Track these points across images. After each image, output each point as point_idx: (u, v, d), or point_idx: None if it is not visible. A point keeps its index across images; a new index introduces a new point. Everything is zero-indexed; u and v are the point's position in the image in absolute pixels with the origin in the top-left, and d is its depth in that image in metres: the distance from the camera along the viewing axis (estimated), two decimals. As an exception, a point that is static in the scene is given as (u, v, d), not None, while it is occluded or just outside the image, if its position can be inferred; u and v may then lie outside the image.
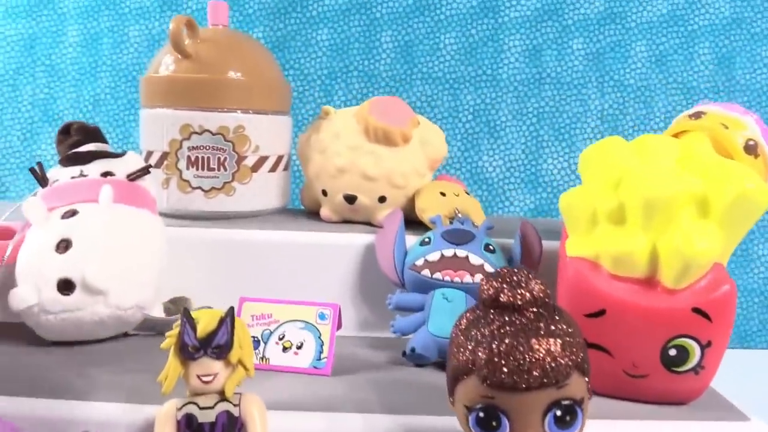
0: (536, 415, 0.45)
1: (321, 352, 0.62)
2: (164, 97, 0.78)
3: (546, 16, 1.28)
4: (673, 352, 0.56)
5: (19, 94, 1.36)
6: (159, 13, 1.34)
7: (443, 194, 0.77)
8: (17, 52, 1.36)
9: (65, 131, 0.74)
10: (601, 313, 0.57)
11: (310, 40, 1.29)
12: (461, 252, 0.66)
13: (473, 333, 0.47)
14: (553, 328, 0.45)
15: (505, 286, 0.47)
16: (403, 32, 1.30)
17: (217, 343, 0.51)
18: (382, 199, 0.77)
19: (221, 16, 0.84)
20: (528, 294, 0.46)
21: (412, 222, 0.77)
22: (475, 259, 0.66)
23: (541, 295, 0.47)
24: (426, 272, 0.66)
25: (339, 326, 0.65)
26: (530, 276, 0.47)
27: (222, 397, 0.51)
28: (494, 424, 0.45)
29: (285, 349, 0.63)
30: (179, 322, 0.51)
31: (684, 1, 1.27)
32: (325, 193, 0.79)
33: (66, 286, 0.62)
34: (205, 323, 0.51)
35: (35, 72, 1.36)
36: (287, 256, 0.75)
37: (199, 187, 0.78)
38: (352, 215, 0.79)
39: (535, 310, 0.47)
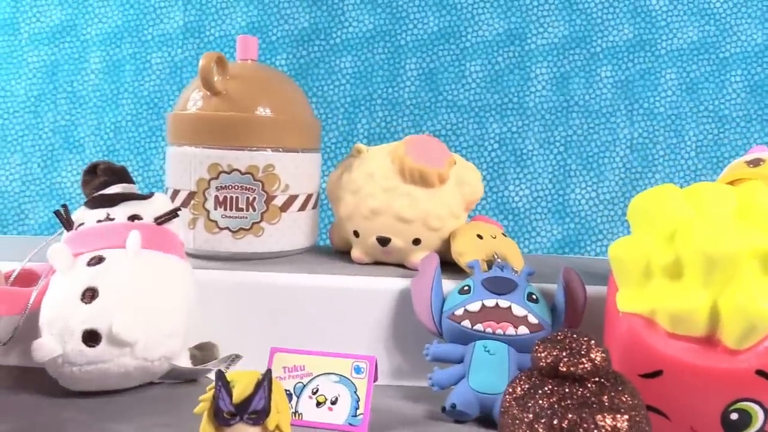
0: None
1: (357, 408, 0.59)
2: (192, 135, 0.76)
3: (574, 43, 1.26)
4: (734, 416, 0.53)
5: (41, 120, 1.35)
6: (182, 40, 1.33)
7: (480, 237, 0.74)
8: (39, 78, 1.35)
9: (91, 171, 0.72)
10: (658, 373, 0.54)
11: (333, 68, 1.28)
12: (504, 302, 0.63)
13: (530, 404, 0.44)
14: (617, 401, 0.43)
15: (564, 354, 0.44)
16: (427, 60, 1.28)
17: (254, 409, 0.48)
18: (416, 242, 0.74)
19: (251, 51, 0.82)
20: (590, 364, 0.44)
21: (447, 263, 0.74)
22: (518, 310, 0.63)
23: (604, 364, 0.44)
24: (466, 323, 0.63)
25: (375, 379, 0.62)
26: (591, 343, 0.45)
27: (259, 465, 0.48)
28: (553, 502, 0.42)
29: (319, 404, 0.60)
30: (213, 385, 0.49)
31: (715, 29, 1.24)
32: (357, 234, 0.76)
33: (92, 338, 0.60)
34: (241, 387, 0.48)
35: (57, 99, 1.35)
36: (318, 301, 0.72)
37: (227, 228, 0.76)
38: (385, 257, 0.76)
39: (596, 380, 0.44)
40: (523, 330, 0.62)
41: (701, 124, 1.25)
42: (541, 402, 0.43)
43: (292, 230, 0.78)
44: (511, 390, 0.46)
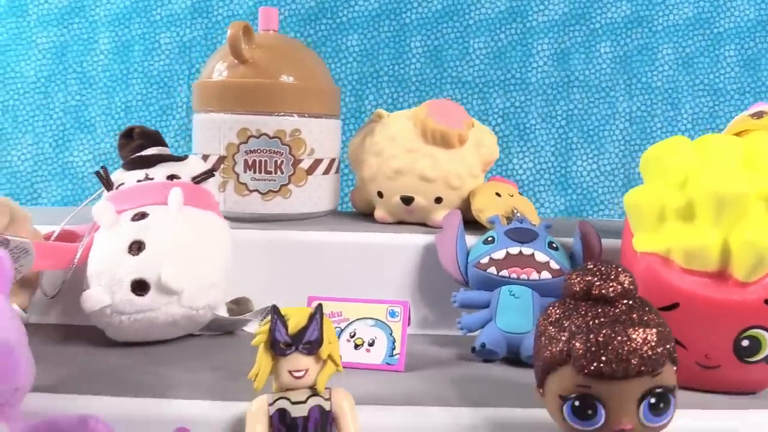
0: (631, 403, 0.46)
1: (393, 348, 0.63)
2: (220, 102, 0.79)
3: (574, 20, 1.30)
4: (745, 342, 0.57)
5: (51, 101, 1.37)
6: (190, 20, 1.36)
7: (498, 195, 0.78)
8: (49, 59, 1.37)
9: (127, 135, 0.75)
10: (675, 306, 0.58)
11: (340, 46, 1.31)
12: (527, 250, 0.67)
13: (566, 324, 0.48)
14: (646, 318, 0.47)
15: (596, 279, 0.48)
16: (432, 37, 1.32)
17: (308, 339, 0.52)
18: (438, 200, 0.78)
19: (272, 22, 0.85)
20: (620, 287, 0.48)
21: (466, 222, 0.78)
22: (540, 257, 0.67)
23: (632, 287, 0.48)
24: (492, 270, 0.67)
25: (408, 323, 0.66)
26: (619, 270, 0.49)
27: (313, 392, 0.52)
28: (590, 412, 0.46)
29: (357, 346, 0.64)
30: (268, 318, 0.52)
31: (709, 4, 1.29)
32: (380, 194, 0.80)
33: (140, 287, 0.63)
34: (295, 320, 0.52)
35: (67, 79, 1.37)
36: (346, 257, 0.76)
37: (256, 190, 0.79)
38: (408, 216, 0.80)
39: (626, 302, 0.48)
40: (545, 275, 0.66)
41: (697, 97, 1.30)
42: (576, 321, 0.47)
43: (317, 193, 0.82)
44: (546, 316, 0.50)
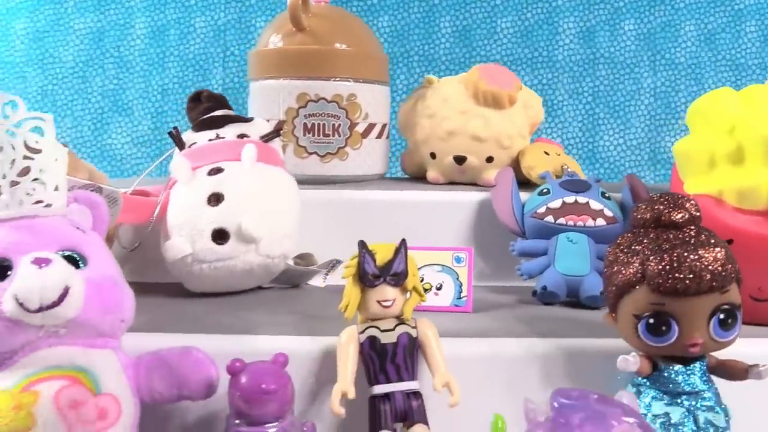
0: (702, 319, 0.49)
1: (460, 291, 0.67)
2: (280, 69, 0.83)
3: (598, -1, 1.34)
4: (796, 274, 0.61)
5: (89, 85, 1.41)
6: (224, 4, 1.39)
7: (547, 153, 0.82)
8: (87, 45, 1.40)
9: (195, 98, 0.78)
10: (729, 243, 0.62)
11: (372, 27, 1.34)
12: (582, 198, 0.71)
13: (638, 249, 0.51)
14: (713, 240, 0.50)
15: (663, 207, 0.52)
16: (461, 17, 1.35)
17: (394, 271, 0.55)
18: (489, 160, 0.82)
19: (324, -7, 0.89)
20: (686, 213, 0.51)
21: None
22: (595, 205, 0.71)
23: (697, 213, 0.52)
24: (549, 218, 0.71)
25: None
26: (684, 198, 0.52)
27: (399, 321, 0.56)
28: (664, 329, 0.50)
29: (425, 290, 0.67)
30: (357, 253, 0.56)
31: (730, -19, 1.33)
32: (433, 156, 0.84)
33: (220, 236, 0.66)
34: (382, 254, 0.56)
35: (104, 64, 1.41)
36: (403, 215, 0.79)
37: (315, 153, 0.83)
38: (460, 177, 0.84)
39: (692, 227, 0.51)
40: (600, 222, 0.70)
41: (719, 72, 1.34)
42: (648, 245, 0.51)
43: (371, 156, 0.86)
44: (615, 245, 0.54)
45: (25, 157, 0.54)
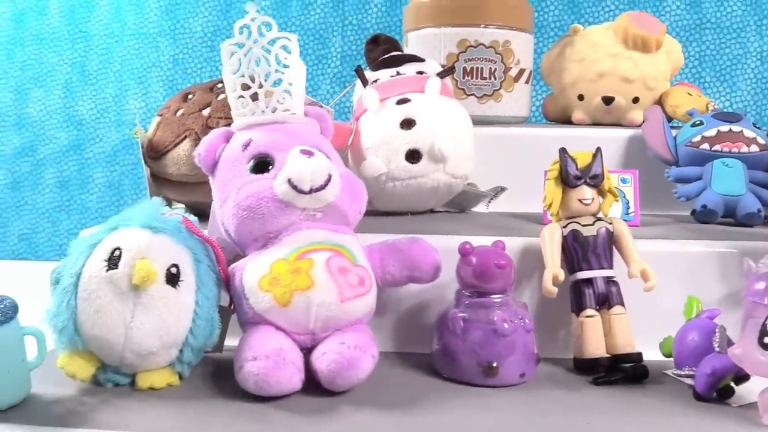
0: None
1: (628, 208, 0.74)
2: (441, 18, 0.92)
3: (705, -35, 1.38)
4: None
5: (217, 54, 1.49)
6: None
7: (690, 94, 0.88)
8: (215, 16, 1.53)
9: (373, 41, 0.88)
10: None
11: None
12: (736, 127, 0.78)
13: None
14: None
15: None
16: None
17: (594, 173, 0.63)
18: (635, 100, 0.89)
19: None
20: None
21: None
22: (749, 133, 0.77)
23: None
24: (705, 146, 0.78)
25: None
26: None
27: (596, 218, 0.63)
28: None
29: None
30: (558, 158, 0.64)
31: (838, -53, 1.36)
32: (581, 97, 0.91)
33: (413, 156, 0.75)
34: (581, 158, 0.64)
35: (231, 34, 1.52)
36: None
37: (473, 94, 0.91)
38: (605, 117, 0.91)
39: None
40: (754, 148, 0.77)
41: (825, 35, 1.37)
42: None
43: (521, 99, 0.94)
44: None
45: (277, 71, 0.65)
